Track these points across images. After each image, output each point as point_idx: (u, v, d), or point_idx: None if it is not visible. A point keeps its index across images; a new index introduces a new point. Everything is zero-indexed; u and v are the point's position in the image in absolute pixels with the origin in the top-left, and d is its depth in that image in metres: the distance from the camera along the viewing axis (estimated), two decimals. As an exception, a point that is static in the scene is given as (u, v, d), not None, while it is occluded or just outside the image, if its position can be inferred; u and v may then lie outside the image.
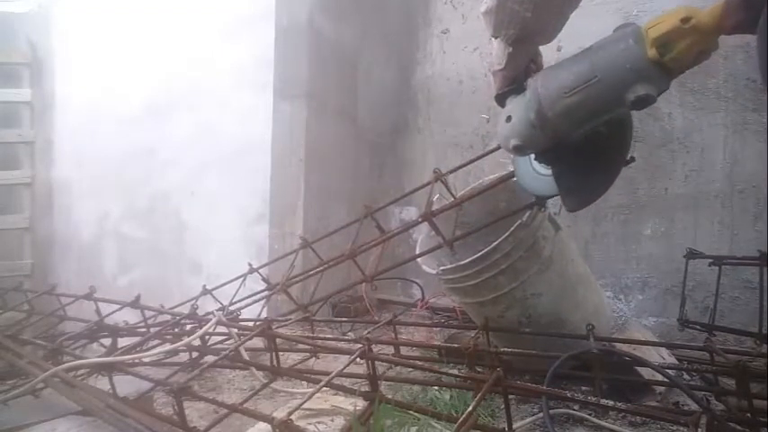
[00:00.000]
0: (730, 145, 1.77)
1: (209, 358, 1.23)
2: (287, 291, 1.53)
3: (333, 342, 1.37)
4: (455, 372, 1.02)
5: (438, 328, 1.67)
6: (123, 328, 1.45)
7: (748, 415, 0.88)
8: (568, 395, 0.89)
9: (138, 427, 0.86)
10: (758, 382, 0.93)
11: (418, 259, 1.35)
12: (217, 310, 1.55)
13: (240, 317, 1.53)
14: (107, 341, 1.39)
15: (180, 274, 2.29)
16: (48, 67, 2.78)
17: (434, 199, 1.34)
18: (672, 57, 0.77)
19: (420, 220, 1.33)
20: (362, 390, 0.90)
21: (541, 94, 0.86)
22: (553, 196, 1.09)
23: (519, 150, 0.93)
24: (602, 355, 1.03)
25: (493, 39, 0.96)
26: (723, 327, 1.51)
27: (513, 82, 0.97)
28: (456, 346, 1.14)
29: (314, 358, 1.32)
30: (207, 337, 1.30)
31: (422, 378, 1.17)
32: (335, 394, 0.99)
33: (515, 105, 0.94)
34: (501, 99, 0.98)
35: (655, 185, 1.88)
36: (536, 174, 1.08)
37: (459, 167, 1.52)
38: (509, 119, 0.93)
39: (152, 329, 1.43)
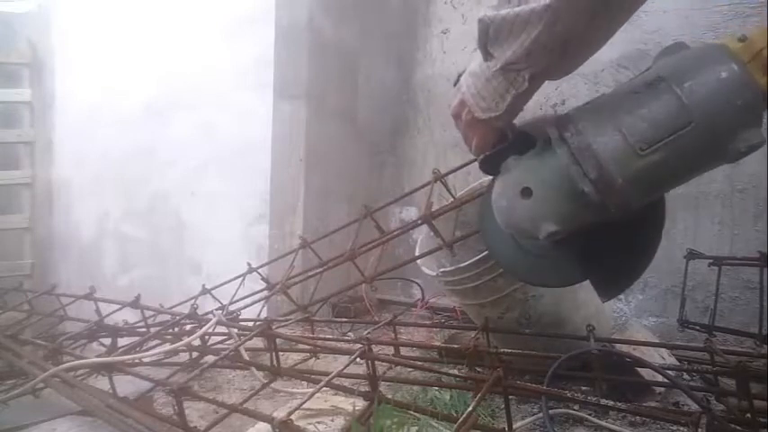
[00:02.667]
0: (730, 145, 1.76)
1: (209, 358, 1.23)
2: (286, 291, 1.53)
3: (333, 342, 1.37)
4: (455, 372, 1.02)
5: (438, 329, 1.67)
6: (123, 328, 1.44)
7: (748, 415, 0.88)
8: (568, 395, 0.89)
9: (138, 427, 0.86)
10: (758, 382, 0.93)
11: (418, 260, 1.35)
12: (216, 310, 1.55)
13: (240, 317, 1.53)
14: (107, 341, 1.39)
15: (180, 273, 2.29)
16: (48, 67, 2.78)
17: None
18: None
19: (419, 221, 1.33)
20: (362, 390, 0.91)
21: (600, 153, 0.58)
22: (570, 285, 0.83)
23: (553, 236, 0.63)
24: (603, 356, 1.03)
25: (485, 71, 0.65)
26: (723, 327, 1.50)
27: (504, 136, 0.69)
28: (456, 346, 1.14)
29: (314, 358, 1.32)
30: (207, 337, 1.30)
31: (422, 378, 1.17)
32: (335, 394, 0.99)
33: (533, 172, 0.65)
34: (493, 163, 0.70)
35: (655, 186, 1.88)
36: (536, 258, 0.75)
37: (459, 168, 1.51)
38: (527, 192, 0.64)
39: (152, 329, 1.43)
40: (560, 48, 0.59)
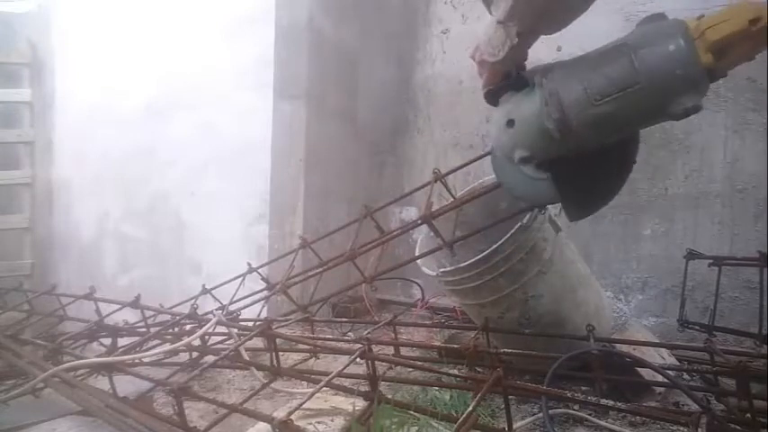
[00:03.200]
0: (730, 145, 1.76)
1: (209, 358, 1.23)
2: (286, 291, 1.53)
3: (333, 342, 1.38)
4: (455, 372, 1.02)
5: (438, 329, 1.67)
6: (123, 328, 1.44)
7: (748, 415, 0.88)
8: (568, 395, 0.89)
9: (138, 427, 0.86)
10: (758, 382, 0.93)
11: (418, 260, 1.35)
12: (216, 310, 1.55)
13: (240, 317, 1.53)
14: (107, 341, 1.39)
15: (180, 273, 2.29)
16: (48, 67, 2.78)
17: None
18: (727, 61, 0.66)
19: (419, 221, 1.33)
20: (362, 390, 0.91)
21: (564, 99, 0.71)
22: (550, 204, 0.97)
23: (525, 161, 0.79)
24: (602, 356, 1.03)
25: (493, 23, 0.79)
26: (723, 327, 1.51)
27: (506, 76, 0.83)
28: (456, 346, 1.14)
29: (314, 358, 1.32)
30: (207, 337, 1.30)
31: (422, 378, 1.17)
32: (335, 394, 0.99)
33: (518, 107, 0.79)
34: (494, 96, 0.85)
35: (655, 185, 1.88)
36: (528, 178, 0.89)
37: (459, 167, 1.51)
38: (511, 123, 0.79)
39: (152, 329, 1.43)
40: (542, 7, 0.73)
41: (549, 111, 0.72)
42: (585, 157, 0.79)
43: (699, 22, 0.65)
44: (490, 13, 0.79)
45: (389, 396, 0.90)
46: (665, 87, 0.67)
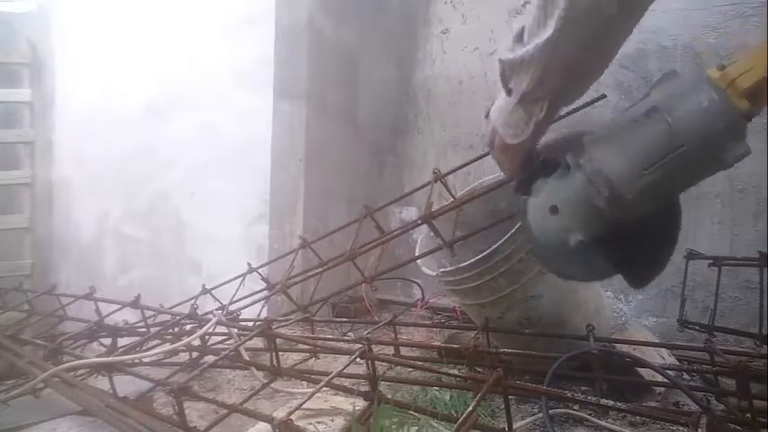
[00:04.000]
0: (730, 145, 1.76)
1: (209, 358, 1.23)
2: (286, 291, 1.53)
3: (333, 342, 1.38)
4: (455, 372, 1.02)
5: (438, 329, 1.67)
6: (123, 328, 1.44)
7: (748, 415, 0.88)
8: (568, 395, 0.89)
9: (138, 427, 0.86)
10: (758, 382, 0.93)
11: (418, 260, 1.35)
12: (216, 310, 1.55)
13: (240, 317, 1.53)
14: (107, 341, 1.39)
15: (180, 273, 2.29)
16: (48, 67, 2.78)
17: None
18: (761, 103, 0.66)
19: (419, 221, 1.33)
20: (362, 390, 0.91)
21: (610, 175, 0.68)
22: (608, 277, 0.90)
23: (581, 244, 0.75)
24: (602, 356, 1.03)
25: (508, 103, 0.75)
26: (723, 327, 1.50)
27: (529, 159, 0.80)
28: (456, 346, 1.15)
29: (314, 358, 1.32)
30: (207, 337, 1.30)
31: (422, 378, 1.17)
32: (335, 394, 0.99)
33: (557, 192, 0.76)
34: (527, 185, 0.81)
35: (655, 186, 1.88)
36: (584, 259, 0.83)
37: (459, 167, 1.52)
38: (554, 210, 0.76)
39: (152, 329, 1.43)
40: (567, 73, 0.69)
41: (598, 190, 0.69)
42: (631, 225, 0.75)
43: (723, 72, 0.65)
44: (508, 91, 0.74)
45: (389, 396, 0.90)
46: (709, 143, 0.66)
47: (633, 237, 0.76)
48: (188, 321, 1.41)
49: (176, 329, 1.46)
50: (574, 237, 0.74)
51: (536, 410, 1.09)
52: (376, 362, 0.91)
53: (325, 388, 0.84)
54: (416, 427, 0.87)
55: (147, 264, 2.43)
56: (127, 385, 1.07)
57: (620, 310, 1.61)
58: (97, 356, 1.17)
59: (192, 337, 1.19)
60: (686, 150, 0.65)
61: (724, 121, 0.65)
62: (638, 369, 1.10)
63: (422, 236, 1.42)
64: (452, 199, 1.36)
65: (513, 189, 0.84)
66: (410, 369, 1.21)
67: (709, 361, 1.09)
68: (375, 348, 1.05)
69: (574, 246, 0.74)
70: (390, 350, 1.31)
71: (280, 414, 0.77)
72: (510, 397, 0.85)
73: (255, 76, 2.10)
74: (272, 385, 1.06)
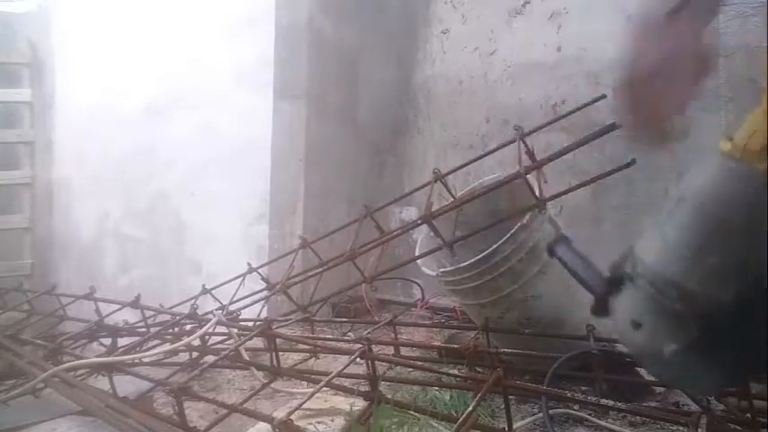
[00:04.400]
0: (730, 145, 1.76)
1: (209, 358, 1.23)
2: (286, 291, 1.53)
3: (333, 342, 1.38)
4: (455, 372, 1.02)
5: (438, 329, 1.67)
6: (123, 328, 1.45)
7: (748, 415, 0.88)
8: (568, 395, 0.89)
9: (138, 427, 0.86)
10: (758, 382, 0.93)
11: (418, 260, 1.35)
12: (216, 310, 1.55)
13: (240, 317, 1.53)
14: (107, 341, 1.39)
15: (180, 273, 2.29)
16: (48, 67, 2.78)
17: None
18: None
19: (419, 221, 1.33)
20: (362, 390, 0.91)
21: (668, 275, 0.69)
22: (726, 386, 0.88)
23: (677, 353, 0.71)
24: (602, 356, 1.03)
25: None
26: (723, 327, 1.50)
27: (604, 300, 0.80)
28: (456, 346, 1.15)
29: (314, 358, 1.32)
30: (207, 337, 1.30)
31: (422, 378, 1.17)
32: (335, 394, 1.00)
33: (630, 308, 0.76)
34: (602, 308, 0.81)
35: (654, 185, 1.88)
36: (691, 368, 0.76)
37: (459, 167, 1.52)
38: (636, 325, 0.75)
39: (152, 329, 1.44)
40: None
41: (664, 293, 0.69)
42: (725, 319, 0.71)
43: (733, 142, 0.66)
44: None
45: (389, 396, 0.90)
46: (741, 208, 0.66)
47: (738, 331, 0.71)
48: (188, 321, 1.41)
49: (176, 329, 1.46)
50: (668, 347, 0.71)
51: (536, 410, 1.08)
52: (376, 362, 0.91)
53: (325, 388, 0.84)
54: (416, 428, 0.87)
55: (147, 264, 2.43)
56: (127, 385, 1.07)
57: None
58: (97, 356, 1.17)
59: (192, 338, 1.19)
60: (725, 222, 0.66)
61: (750, 185, 0.65)
62: (638, 369, 1.10)
63: (422, 236, 1.42)
64: (452, 199, 1.35)
65: (591, 311, 0.81)
66: (410, 369, 1.21)
67: (709, 361, 1.09)
68: (375, 348, 1.05)
69: (670, 356, 0.71)
70: (390, 350, 1.31)
71: (280, 414, 0.77)
72: (510, 397, 0.85)
73: (255, 76, 2.10)
74: (272, 385, 1.06)
